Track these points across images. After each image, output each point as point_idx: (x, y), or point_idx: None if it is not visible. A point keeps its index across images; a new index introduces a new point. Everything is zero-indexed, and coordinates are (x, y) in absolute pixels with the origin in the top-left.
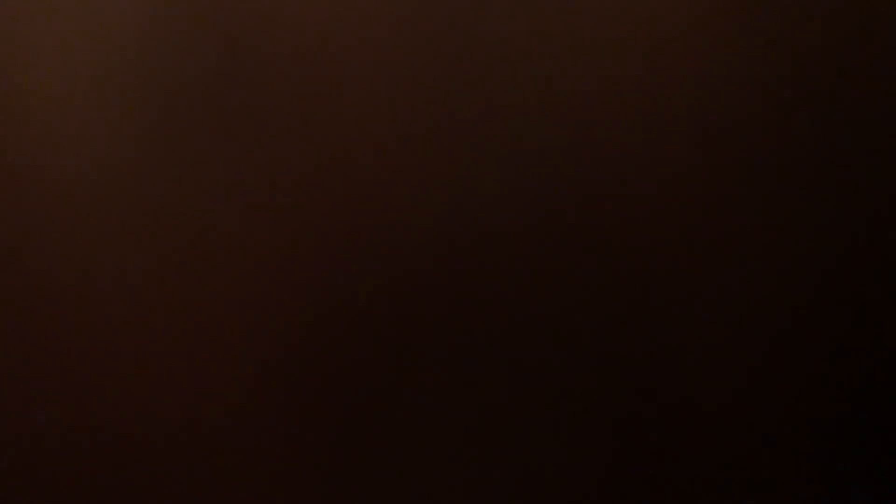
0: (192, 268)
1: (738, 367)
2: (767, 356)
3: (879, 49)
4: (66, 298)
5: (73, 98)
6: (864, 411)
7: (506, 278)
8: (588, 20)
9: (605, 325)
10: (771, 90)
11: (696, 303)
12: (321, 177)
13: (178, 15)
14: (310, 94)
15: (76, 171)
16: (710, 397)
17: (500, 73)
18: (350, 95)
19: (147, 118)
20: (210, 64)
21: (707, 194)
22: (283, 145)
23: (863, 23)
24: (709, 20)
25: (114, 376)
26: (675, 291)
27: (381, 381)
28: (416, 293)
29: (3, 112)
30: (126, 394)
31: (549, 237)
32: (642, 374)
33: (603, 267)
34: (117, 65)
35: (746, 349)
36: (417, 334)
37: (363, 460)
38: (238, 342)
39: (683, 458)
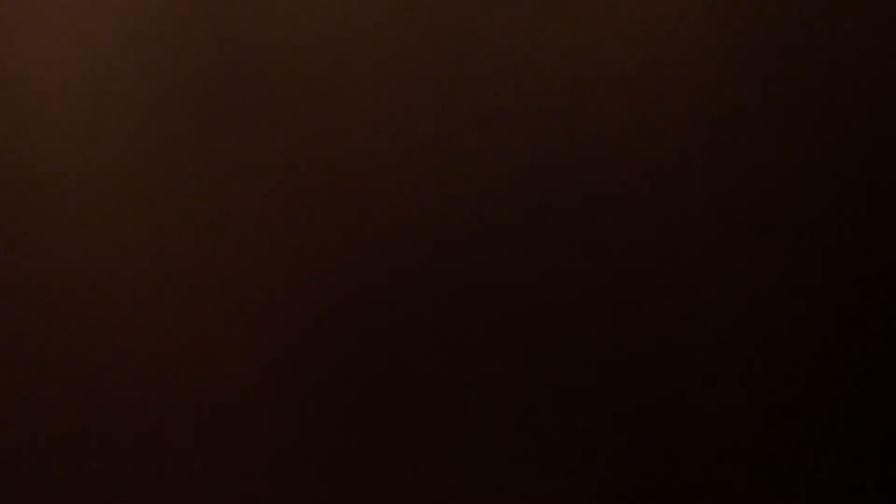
0: (190, 266)
1: (738, 366)
2: (767, 356)
3: (880, 47)
4: (63, 296)
5: (70, 95)
6: (865, 411)
7: (505, 277)
8: (587, 18)
9: (605, 325)
10: (770, 88)
11: (695, 301)
12: (319, 175)
13: (176, 12)
14: (308, 92)
15: (73, 168)
16: (710, 396)
17: (498, 71)
18: (348, 93)
19: (144, 115)
20: (208, 61)
21: (707, 193)
22: (281, 143)
23: (863, 21)
24: (708, 18)
25: (110, 374)
26: (674, 290)
27: (381, 381)
28: (416, 292)
29: (1, 110)
30: (122, 392)
31: (548, 236)
32: (641, 373)
33: (601, 265)
34: (115, 62)
35: (746, 349)
36: (416, 333)
37: (363, 460)
38: (236, 340)
39: (683, 457)
